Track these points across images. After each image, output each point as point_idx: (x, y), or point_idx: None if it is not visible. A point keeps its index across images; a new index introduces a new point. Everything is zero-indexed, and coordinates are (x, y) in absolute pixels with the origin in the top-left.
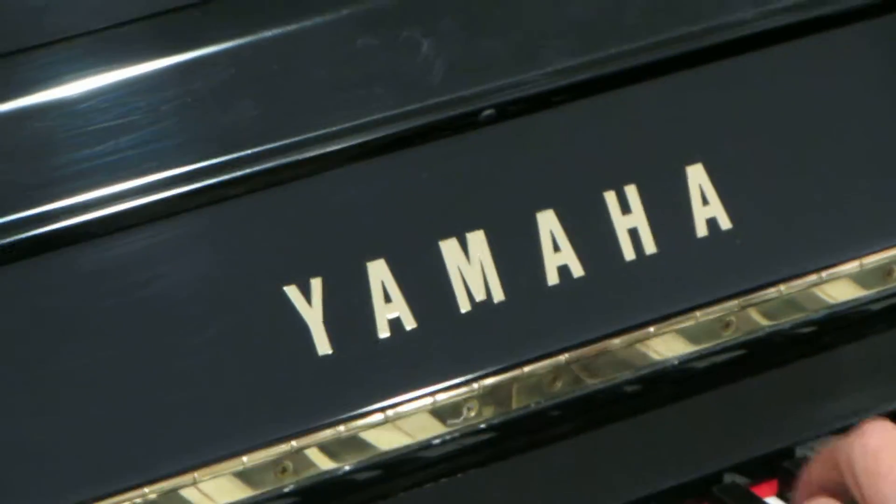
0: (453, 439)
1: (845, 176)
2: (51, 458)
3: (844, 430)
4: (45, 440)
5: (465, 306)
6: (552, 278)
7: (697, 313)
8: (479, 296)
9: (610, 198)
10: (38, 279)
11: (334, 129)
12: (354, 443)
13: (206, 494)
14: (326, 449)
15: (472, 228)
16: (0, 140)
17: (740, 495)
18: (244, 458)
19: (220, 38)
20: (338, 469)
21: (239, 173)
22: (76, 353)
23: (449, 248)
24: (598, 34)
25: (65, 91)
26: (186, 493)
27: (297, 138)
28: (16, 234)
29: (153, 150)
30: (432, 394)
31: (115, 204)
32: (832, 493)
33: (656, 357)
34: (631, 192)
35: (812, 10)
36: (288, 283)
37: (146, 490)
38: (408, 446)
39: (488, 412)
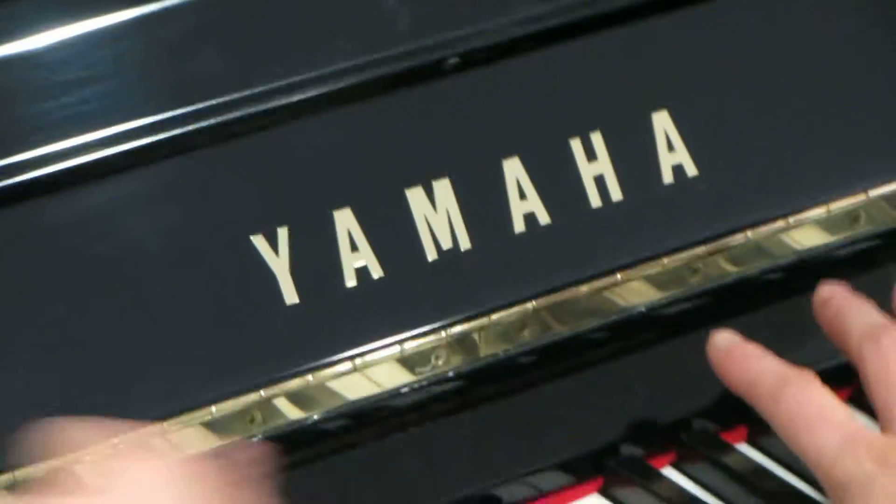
0: (421, 388)
1: (811, 121)
2: (21, 410)
3: None
4: (12, 394)
5: (431, 254)
6: (518, 226)
7: (665, 260)
8: (446, 244)
9: (576, 145)
10: (2, 231)
11: (299, 78)
12: (322, 392)
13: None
14: (295, 398)
15: (439, 176)
16: None
17: (709, 441)
18: (213, 408)
19: None
20: (306, 418)
21: (204, 123)
22: (42, 306)
23: (415, 197)
24: None
25: (29, 43)
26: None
27: (262, 88)
28: None
29: (118, 101)
30: (400, 342)
31: (81, 155)
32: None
33: (623, 304)
34: (597, 138)
35: None
36: (255, 233)
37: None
38: (376, 395)
39: (456, 360)
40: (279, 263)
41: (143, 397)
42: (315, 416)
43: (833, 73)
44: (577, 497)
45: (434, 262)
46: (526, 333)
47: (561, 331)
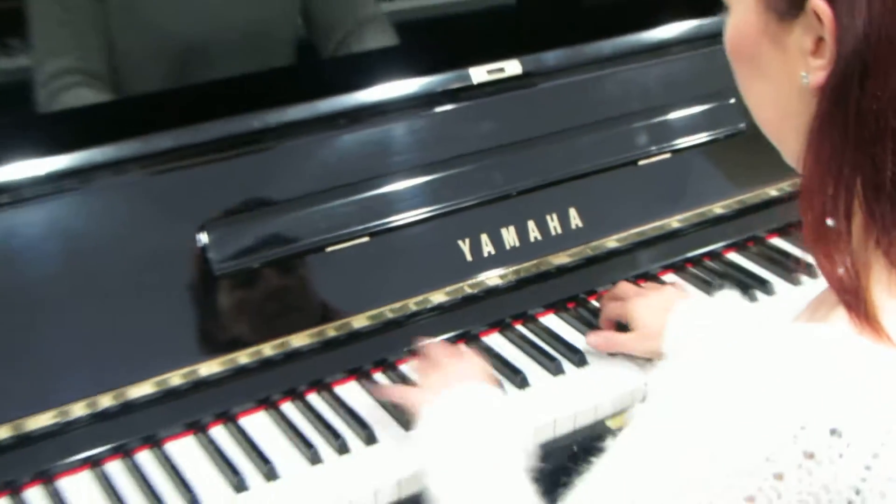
0: (501, 281)
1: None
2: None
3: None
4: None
5: (510, 245)
6: (534, 238)
7: (568, 251)
8: (509, 244)
9: (550, 217)
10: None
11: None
12: (469, 287)
13: (419, 304)
14: (455, 290)
15: (507, 225)
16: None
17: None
18: (429, 296)
19: None
20: (447, 302)
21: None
22: (362, 278)
23: (506, 232)
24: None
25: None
26: (413, 306)
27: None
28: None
29: (401, 200)
30: (495, 269)
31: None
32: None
33: (556, 262)
34: (550, 216)
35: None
36: (459, 239)
37: (396, 304)
38: (487, 284)
39: (509, 277)
40: (466, 249)
41: (409, 288)
42: (449, 304)
43: None
44: None
45: (510, 248)
46: (521, 271)
47: (537, 269)
